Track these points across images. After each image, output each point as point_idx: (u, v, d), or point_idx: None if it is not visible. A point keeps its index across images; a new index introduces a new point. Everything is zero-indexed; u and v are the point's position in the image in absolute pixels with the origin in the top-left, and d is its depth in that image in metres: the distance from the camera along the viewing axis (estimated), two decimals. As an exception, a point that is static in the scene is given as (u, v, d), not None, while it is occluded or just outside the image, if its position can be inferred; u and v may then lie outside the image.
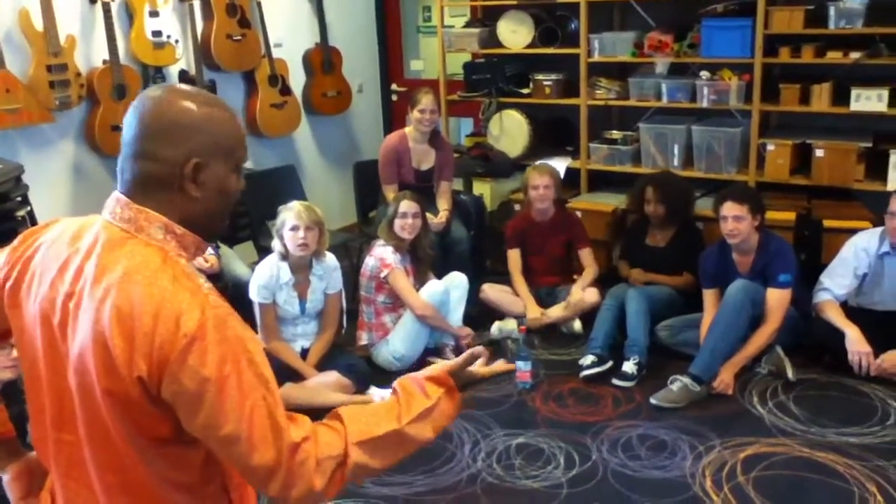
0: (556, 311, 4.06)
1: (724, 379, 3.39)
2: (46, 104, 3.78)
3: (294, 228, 3.36)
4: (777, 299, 3.46)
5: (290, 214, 3.38)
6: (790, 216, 4.06)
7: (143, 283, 1.14)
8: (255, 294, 3.46)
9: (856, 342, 3.35)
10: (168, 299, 1.12)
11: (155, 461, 1.20)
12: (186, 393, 1.11)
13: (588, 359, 3.60)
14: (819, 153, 4.07)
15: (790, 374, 3.44)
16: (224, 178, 1.23)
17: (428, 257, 3.90)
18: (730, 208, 3.48)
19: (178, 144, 1.18)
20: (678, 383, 3.33)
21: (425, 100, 4.23)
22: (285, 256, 3.45)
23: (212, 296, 1.17)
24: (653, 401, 3.31)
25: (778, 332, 3.46)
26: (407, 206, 3.75)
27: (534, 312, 4.03)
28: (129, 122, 1.21)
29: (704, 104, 4.37)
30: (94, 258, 1.18)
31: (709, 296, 3.65)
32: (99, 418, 1.17)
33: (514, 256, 4.22)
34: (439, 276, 3.91)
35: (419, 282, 3.84)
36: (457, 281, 3.87)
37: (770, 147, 4.21)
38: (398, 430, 1.27)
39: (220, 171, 1.22)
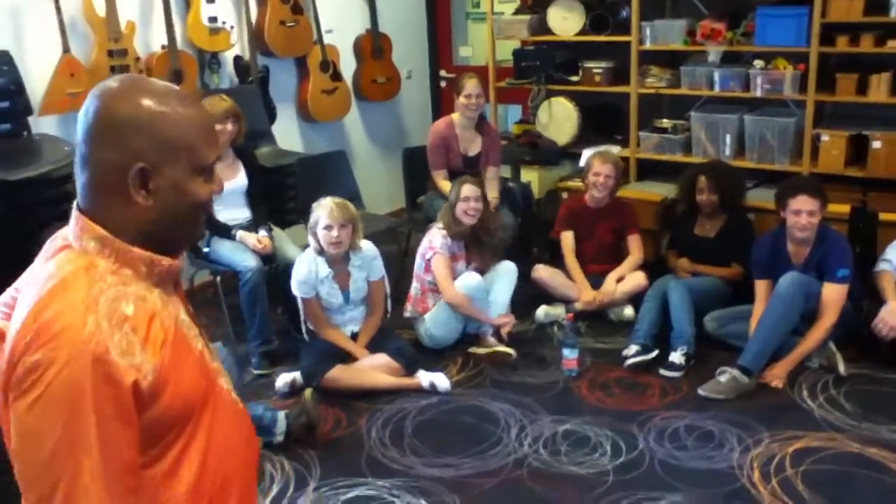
0: (602, 295, 4.04)
1: (777, 374, 3.37)
2: (107, 88, 3.87)
3: (328, 227, 3.39)
4: (834, 294, 3.41)
5: (323, 213, 3.40)
6: (844, 208, 4.00)
7: (37, 290, 1.05)
8: (296, 290, 3.53)
9: (892, 312, 3.32)
10: (40, 314, 1.02)
11: None
12: (14, 417, 1.02)
13: (632, 349, 3.61)
14: (876, 145, 4.00)
15: (841, 368, 3.40)
16: (182, 183, 1.11)
17: (496, 241, 3.90)
18: (805, 202, 3.38)
19: (120, 147, 1.07)
20: (727, 375, 3.32)
21: (470, 84, 4.25)
22: (321, 251, 3.50)
23: (104, 326, 1.02)
24: (700, 392, 3.31)
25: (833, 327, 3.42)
26: (469, 189, 3.76)
27: (588, 296, 4.03)
28: (78, 123, 1.11)
29: (758, 93, 4.31)
30: (40, 260, 1.14)
31: (760, 286, 3.61)
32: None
33: (567, 238, 4.21)
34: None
35: (482, 268, 3.87)
36: (504, 268, 3.89)
37: (825, 137, 4.15)
38: None
39: (175, 175, 1.10)
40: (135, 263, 1.11)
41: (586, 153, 4.72)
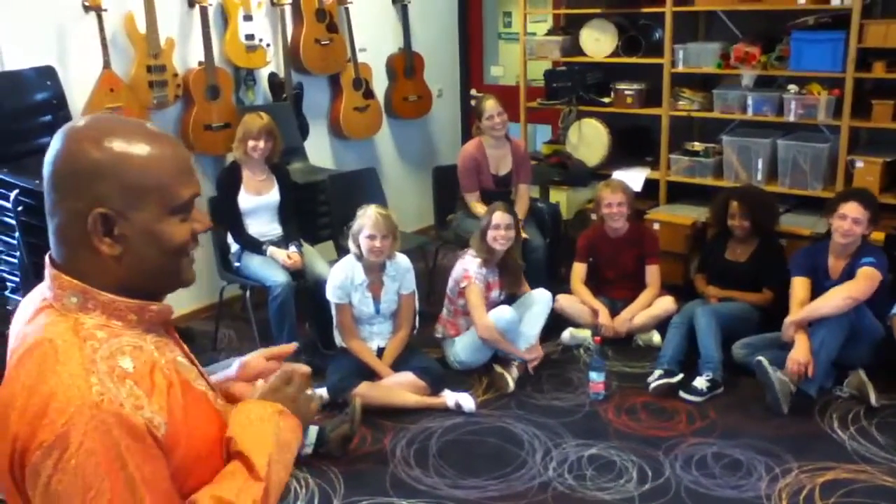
0: (619, 323, 4.02)
1: (790, 334, 3.41)
2: (145, 103, 3.95)
3: (371, 237, 3.45)
4: (863, 271, 3.38)
5: (367, 222, 3.46)
6: (879, 236, 3.94)
7: (28, 367, 1.00)
8: (331, 295, 3.56)
9: None
10: (39, 391, 0.97)
11: None
12: (43, 500, 0.96)
13: (655, 374, 3.59)
14: (912, 172, 3.96)
15: (873, 399, 3.35)
16: (153, 226, 1.05)
17: (517, 268, 3.91)
18: (853, 209, 3.42)
19: (80, 194, 1.01)
20: (781, 374, 3.34)
21: (489, 105, 4.30)
22: (360, 257, 3.54)
23: (110, 386, 0.98)
24: (764, 361, 3.34)
25: (857, 303, 3.34)
26: (500, 217, 3.75)
27: (605, 318, 4.02)
28: (44, 167, 1.05)
29: (791, 118, 4.28)
30: (16, 326, 1.09)
31: (799, 283, 3.58)
32: None
33: (578, 269, 4.21)
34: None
35: (507, 293, 3.88)
36: (538, 296, 3.86)
37: (859, 164, 4.10)
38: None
39: (145, 220, 1.04)
40: (122, 314, 1.06)
41: (616, 175, 4.72)
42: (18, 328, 1.08)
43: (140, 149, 1.04)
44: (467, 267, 3.78)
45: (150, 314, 1.09)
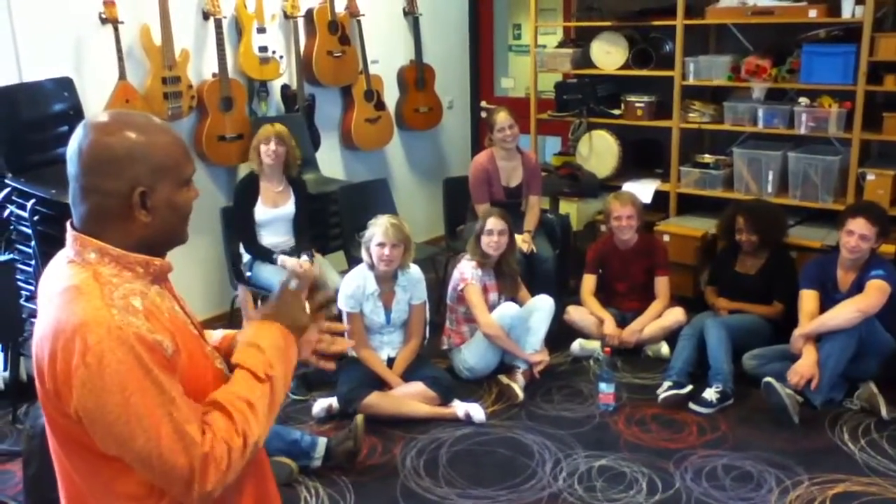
0: (628, 333, 4.03)
1: (799, 346, 3.43)
2: (159, 114, 3.98)
3: (381, 245, 3.47)
4: (873, 283, 3.39)
5: (378, 231, 3.48)
6: (889, 249, 3.94)
7: (57, 304, 1.21)
8: (342, 303, 3.58)
9: None
10: (70, 320, 1.17)
11: (95, 473, 1.25)
12: (90, 414, 1.17)
13: (664, 385, 3.59)
14: (923, 185, 3.95)
15: (884, 411, 3.34)
16: (172, 197, 1.29)
17: (514, 273, 3.94)
18: (860, 225, 3.42)
19: (119, 176, 1.23)
20: (790, 389, 3.34)
21: (501, 118, 4.31)
22: (372, 266, 3.56)
23: (127, 316, 1.19)
24: (773, 382, 3.34)
25: (866, 316, 3.34)
26: (494, 223, 3.80)
27: (610, 329, 4.02)
28: (72, 158, 1.26)
29: (802, 131, 4.28)
30: (44, 284, 1.31)
31: (808, 295, 3.58)
32: (50, 430, 1.29)
33: (588, 281, 4.22)
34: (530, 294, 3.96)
35: (505, 298, 3.89)
36: (540, 303, 3.87)
37: (870, 177, 4.10)
38: (270, 384, 1.33)
39: (166, 192, 1.27)
40: (132, 266, 1.27)
41: (626, 187, 4.73)
42: (47, 284, 1.29)
43: (157, 137, 1.27)
44: (463, 270, 3.83)
45: (154, 267, 1.30)
